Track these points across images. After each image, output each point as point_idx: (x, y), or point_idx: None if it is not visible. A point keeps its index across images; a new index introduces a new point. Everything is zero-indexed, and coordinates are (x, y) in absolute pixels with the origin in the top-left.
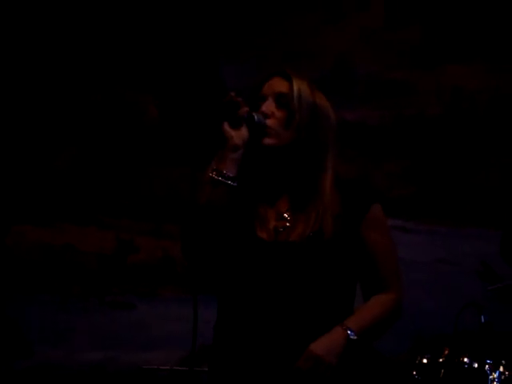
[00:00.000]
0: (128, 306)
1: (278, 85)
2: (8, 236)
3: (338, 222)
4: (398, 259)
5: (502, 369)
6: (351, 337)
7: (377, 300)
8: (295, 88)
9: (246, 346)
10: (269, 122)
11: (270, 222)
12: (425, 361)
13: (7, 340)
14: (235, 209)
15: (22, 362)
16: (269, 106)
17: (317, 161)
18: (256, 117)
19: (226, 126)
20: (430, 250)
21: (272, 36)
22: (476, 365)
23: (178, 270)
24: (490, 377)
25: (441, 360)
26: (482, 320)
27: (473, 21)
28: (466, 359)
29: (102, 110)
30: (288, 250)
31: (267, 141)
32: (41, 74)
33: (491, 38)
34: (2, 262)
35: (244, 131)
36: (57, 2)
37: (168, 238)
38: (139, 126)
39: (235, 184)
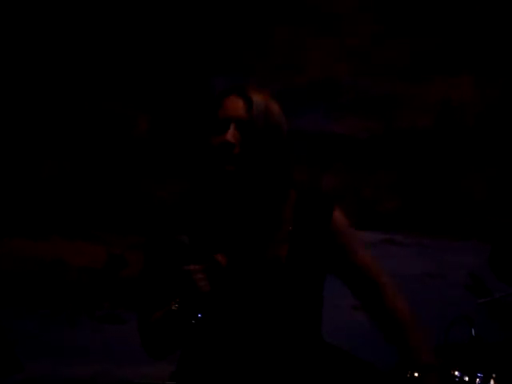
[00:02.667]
0: (118, 321)
1: (238, 108)
2: None
3: (297, 241)
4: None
5: (492, 382)
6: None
7: (388, 291)
8: (255, 112)
9: (214, 370)
10: (235, 150)
11: (230, 248)
12: (416, 374)
13: None
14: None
15: (13, 377)
16: (232, 134)
17: (274, 176)
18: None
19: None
20: (419, 262)
21: (260, 49)
22: (467, 378)
23: None
24: None
25: None
26: (473, 333)
27: (460, 34)
28: (456, 372)
29: (92, 124)
30: (247, 275)
31: (230, 167)
32: (30, 88)
33: (479, 50)
34: None
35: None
36: (47, 16)
37: None
38: (129, 139)
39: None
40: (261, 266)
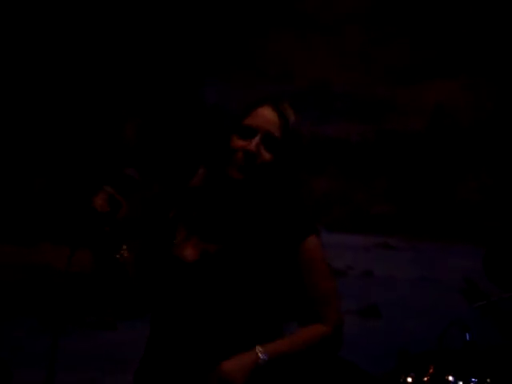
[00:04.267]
0: (109, 327)
1: (269, 121)
2: None
3: (267, 244)
4: (335, 290)
5: None
6: (261, 359)
7: (308, 328)
8: (290, 133)
9: (164, 364)
10: (255, 160)
11: (194, 246)
12: (409, 380)
13: None
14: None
15: None
16: (256, 145)
17: (286, 193)
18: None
19: None
20: (414, 266)
21: (254, 54)
22: (461, 383)
23: None
24: None
25: (425, 379)
26: (467, 338)
27: (454, 39)
28: (450, 378)
29: (80, 132)
30: (203, 268)
31: (238, 176)
32: (18, 99)
33: (473, 55)
34: None
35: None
36: (38, 25)
37: None
38: (116, 145)
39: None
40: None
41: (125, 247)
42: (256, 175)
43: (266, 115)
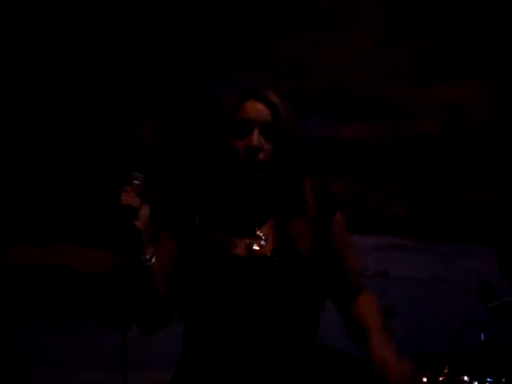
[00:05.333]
0: (124, 326)
1: (260, 112)
2: (2, 255)
3: (311, 236)
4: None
5: None
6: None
7: (367, 300)
8: (281, 118)
9: (222, 367)
10: (260, 156)
11: (245, 241)
12: (424, 379)
13: (2, 362)
14: (208, 236)
15: None
16: (257, 138)
17: (296, 178)
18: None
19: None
20: (429, 267)
21: (265, 55)
22: (476, 383)
23: None
24: None
25: (441, 379)
26: (482, 338)
27: (469, 38)
28: (466, 378)
29: (96, 132)
30: (260, 264)
31: (257, 176)
32: (33, 96)
33: (489, 54)
34: None
35: (144, 209)
36: (45, 24)
37: None
38: (133, 145)
39: (152, 262)
40: (275, 252)
41: (152, 249)
42: (272, 168)
43: (255, 107)
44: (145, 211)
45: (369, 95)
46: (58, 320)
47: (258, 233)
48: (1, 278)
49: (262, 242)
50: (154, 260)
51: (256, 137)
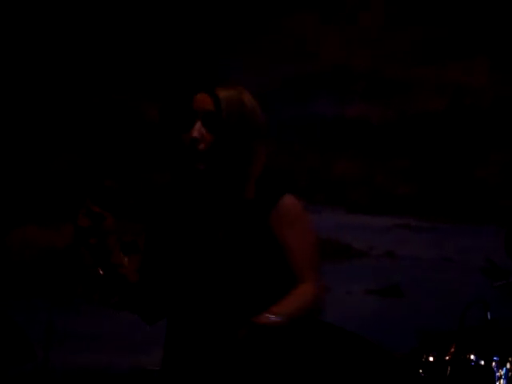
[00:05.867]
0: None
1: (204, 103)
2: (8, 237)
3: (249, 219)
4: (314, 251)
5: (508, 365)
6: (276, 320)
7: (299, 290)
8: (223, 108)
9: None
10: (200, 146)
11: (197, 229)
12: (431, 359)
13: (10, 344)
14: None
15: (26, 366)
16: (198, 130)
17: (242, 168)
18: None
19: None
20: (435, 247)
21: (273, 35)
22: (483, 362)
23: None
24: (497, 374)
25: (447, 358)
26: (489, 317)
27: (474, 17)
28: (472, 356)
29: (102, 116)
30: (205, 247)
31: (200, 166)
32: (40, 80)
33: (493, 33)
34: (2, 264)
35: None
36: (55, 10)
37: None
38: (138, 129)
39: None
40: (204, 243)
41: (126, 259)
42: (215, 158)
43: (201, 98)
44: (108, 221)
45: (374, 75)
46: (65, 301)
47: (205, 221)
48: (7, 259)
49: (210, 231)
50: (126, 264)
51: (197, 127)
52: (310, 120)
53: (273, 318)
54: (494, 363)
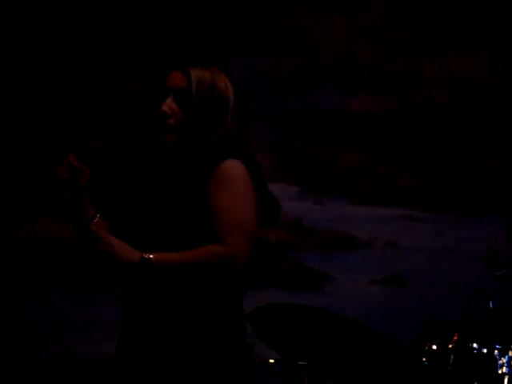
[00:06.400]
0: None
1: (176, 80)
2: (19, 228)
3: (189, 187)
4: (244, 213)
5: (511, 353)
6: (146, 257)
7: (203, 247)
8: (193, 84)
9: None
10: (169, 121)
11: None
12: (434, 347)
13: (20, 333)
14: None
15: (35, 356)
16: (169, 105)
17: (203, 142)
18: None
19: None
20: (438, 237)
21: (275, 27)
22: (485, 350)
23: None
24: (500, 362)
25: (450, 346)
26: (491, 306)
27: (476, 8)
28: (475, 345)
29: (106, 107)
30: (150, 212)
31: (168, 139)
32: (43, 70)
33: (496, 24)
34: (12, 254)
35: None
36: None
37: None
38: (143, 119)
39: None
40: (149, 208)
41: (98, 215)
42: (182, 132)
43: (173, 76)
44: (84, 177)
45: (378, 68)
46: (74, 292)
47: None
48: (17, 250)
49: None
50: (96, 220)
51: (168, 102)
52: (312, 112)
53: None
54: (496, 351)
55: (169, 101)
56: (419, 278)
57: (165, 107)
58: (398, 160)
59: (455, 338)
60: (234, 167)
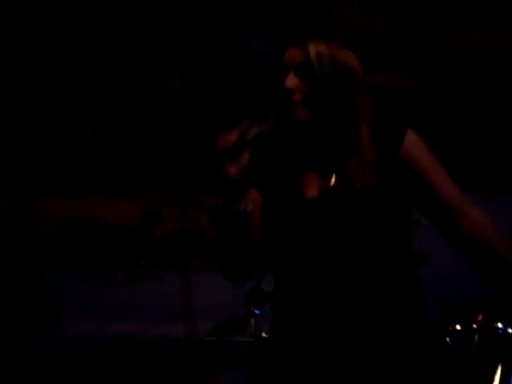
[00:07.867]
0: (156, 278)
1: (295, 55)
2: (35, 207)
3: (378, 168)
4: (454, 182)
5: None
6: None
7: (477, 225)
8: (312, 55)
9: (306, 316)
10: (295, 96)
11: (315, 185)
12: (458, 327)
13: (37, 313)
14: (279, 180)
15: (52, 336)
16: (291, 80)
17: (350, 119)
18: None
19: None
20: None
21: (296, 2)
22: (510, 330)
23: (206, 240)
24: None
25: (474, 326)
26: None
27: None
28: (500, 324)
29: (125, 83)
30: (337, 204)
31: (297, 116)
32: (64, 48)
33: None
34: (30, 234)
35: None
36: None
37: (196, 208)
38: (162, 97)
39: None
40: (350, 192)
41: (249, 200)
42: (312, 107)
43: (290, 53)
44: (245, 157)
45: (401, 42)
46: (90, 271)
47: (328, 176)
48: (33, 229)
49: (332, 184)
50: (249, 209)
51: (290, 79)
52: None
53: None
54: None
55: (290, 76)
56: (442, 258)
57: (289, 83)
58: (423, 136)
59: (480, 317)
60: (415, 133)
